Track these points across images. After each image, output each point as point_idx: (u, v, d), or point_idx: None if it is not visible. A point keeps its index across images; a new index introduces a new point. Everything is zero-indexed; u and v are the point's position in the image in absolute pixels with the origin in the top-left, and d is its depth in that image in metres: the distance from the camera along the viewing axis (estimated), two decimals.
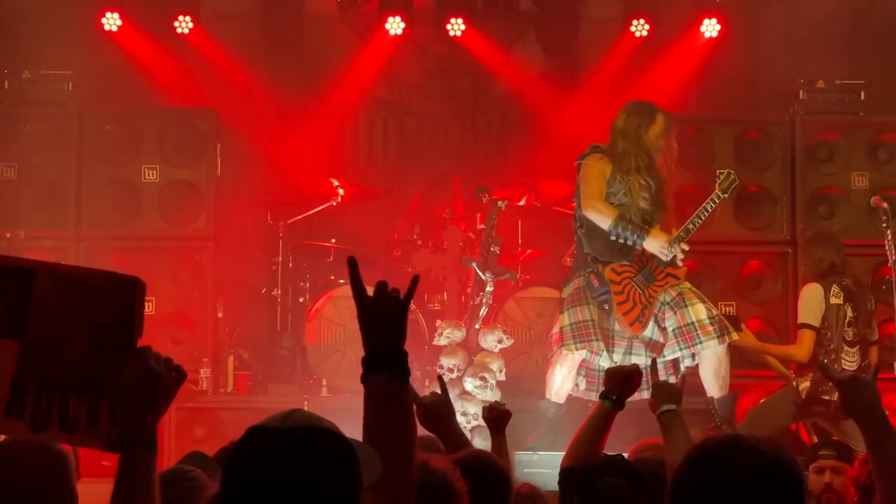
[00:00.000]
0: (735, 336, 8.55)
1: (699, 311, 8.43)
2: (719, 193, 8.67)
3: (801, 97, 10.49)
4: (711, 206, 8.64)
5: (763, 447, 2.45)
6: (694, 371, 10.07)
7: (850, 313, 8.60)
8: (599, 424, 4.46)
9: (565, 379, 8.49)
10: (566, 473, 4.35)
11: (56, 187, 10.21)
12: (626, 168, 8.41)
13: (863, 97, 10.46)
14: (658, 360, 8.42)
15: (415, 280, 2.98)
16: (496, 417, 4.87)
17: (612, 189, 8.45)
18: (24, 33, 10.79)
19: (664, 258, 8.45)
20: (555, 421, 8.45)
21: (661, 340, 8.43)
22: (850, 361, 8.58)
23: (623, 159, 8.43)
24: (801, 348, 8.56)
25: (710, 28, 11.34)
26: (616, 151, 8.49)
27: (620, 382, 4.53)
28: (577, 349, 8.31)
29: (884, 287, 10.12)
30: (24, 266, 3.00)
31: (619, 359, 8.23)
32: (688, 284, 8.65)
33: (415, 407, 4.26)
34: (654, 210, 8.53)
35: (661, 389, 4.48)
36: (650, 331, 8.42)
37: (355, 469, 2.44)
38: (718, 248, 10.36)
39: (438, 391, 4.51)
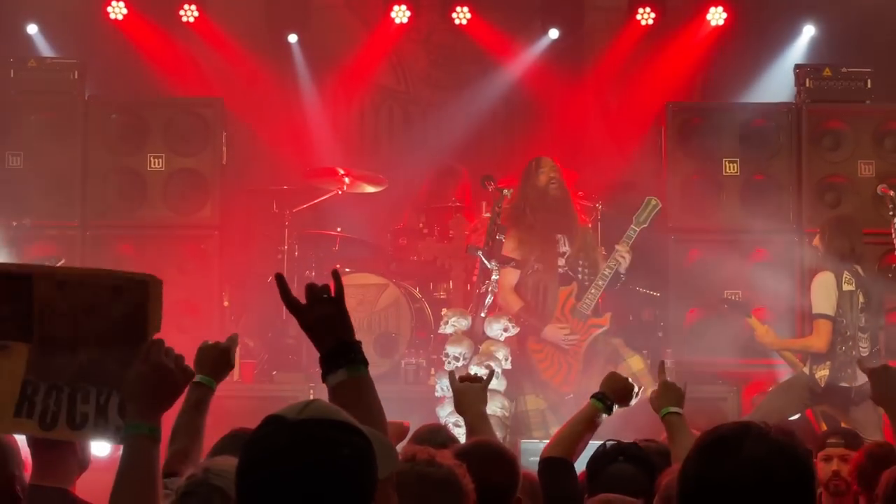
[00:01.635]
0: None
1: (637, 362, 8.99)
2: (635, 228, 9.08)
3: (807, 85, 10.47)
4: (617, 261, 9.03)
5: (773, 435, 2.44)
6: (701, 361, 10.10)
7: (861, 299, 8.59)
8: (588, 424, 4.50)
9: None
10: (546, 463, 4.36)
11: (62, 176, 10.22)
12: (525, 231, 9.06)
13: (869, 85, 10.43)
14: None
15: (335, 274, 3.05)
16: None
17: (526, 260, 9.08)
18: (31, 22, 10.79)
19: (565, 347, 8.87)
20: None
21: None
22: (863, 348, 8.57)
23: (520, 222, 9.10)
24: (819, 339, 8.50)
25: (716, 16, 11.32)
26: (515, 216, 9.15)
27: (619, 392, 4.58)
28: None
29: (890, 275, 10.12)
30: (21, 272, 3.05)
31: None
32: (619, 340, 9.24)
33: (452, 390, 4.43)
34: (579, 252, 9.14)
35: (667, 390, 4.54)
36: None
37: (372, 463, 2.43)
38: (724, 236, 10.36)
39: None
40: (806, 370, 8.63)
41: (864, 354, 8.48)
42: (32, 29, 10.89)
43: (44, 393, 2.97)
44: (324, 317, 2.96)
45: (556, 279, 9.08)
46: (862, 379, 8.45)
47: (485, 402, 4.55)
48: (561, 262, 9.11)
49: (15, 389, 2.97)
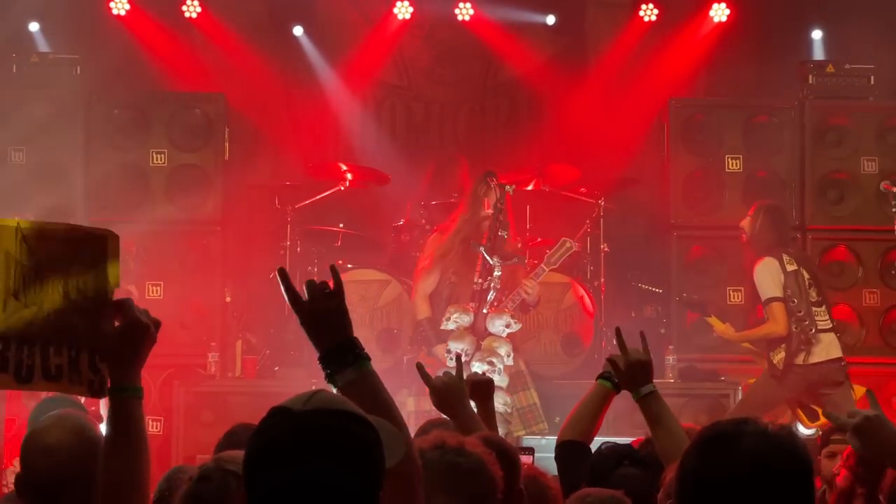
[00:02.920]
0: None
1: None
2: (544, 267, 9.11)
3: (810, 81, 10.47)
4: (521, 294, 9.00)
5: (771, 429, 2.45)
6: (703, 357, 10.10)
7: (806, 275, 8.67)
8: (600, 403, 4.46)
9: None
10: (563, 447, 4.34)
11: (64, 171, 10.22)
12: (452, 247, 9.10)
13: (872, 81, 10.43)
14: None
15: (333, 269, 3.04)
16: (480, 386, 4.79)
17: (442, 270, 9.17)
18: (33, 17, 10.78)
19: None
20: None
21: None
22: (822, 321, 8.65)
23: (455, 236, 9.13)
24: (777, 323, 8.59)
25: (719, 13, 11.29)
26: (454, 228, 9.20)
27: (632, 373, 4.42)
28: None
29: (893, 272, 10.12)
30: None
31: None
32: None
33: (427, 390, 4.30)
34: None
35: (633, 367, 4.32)
36: None
37: (379, 454, 2.42)
38: (726, 233, 10.34)
39: (453, 372, 4.45)
40: (770, 356, 8.70)
41: (824, 328, 8.58)
42: (34, 25, 10.87)
43: (15, 347, 2.98)
44: (324, 311, 2.95)
45: (468, 294, 9.06)
46: (819, 356, 8.53)
47: (465, 395, 4.31)
48: (478, 279, 9.07)
49: None
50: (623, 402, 4.83)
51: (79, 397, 4.67)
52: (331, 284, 2.98)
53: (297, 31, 11.69)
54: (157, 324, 2.99)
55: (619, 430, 7.56)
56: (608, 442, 4.36)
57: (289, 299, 2.97)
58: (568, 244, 9.22)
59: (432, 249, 9.31)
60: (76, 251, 3.01)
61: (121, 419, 2.92)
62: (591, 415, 4.44)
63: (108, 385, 2.97)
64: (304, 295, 2.98)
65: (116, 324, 2.97)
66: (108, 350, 2.96)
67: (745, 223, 8.95)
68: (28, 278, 2.99)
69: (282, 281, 2.98)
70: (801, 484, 2.44)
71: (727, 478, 2.40)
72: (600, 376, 4.50)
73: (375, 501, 2.40)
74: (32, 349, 2.98)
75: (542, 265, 9.14)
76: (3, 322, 2.97)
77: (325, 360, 2.93)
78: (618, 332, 4.46)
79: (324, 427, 2.37)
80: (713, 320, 9.10)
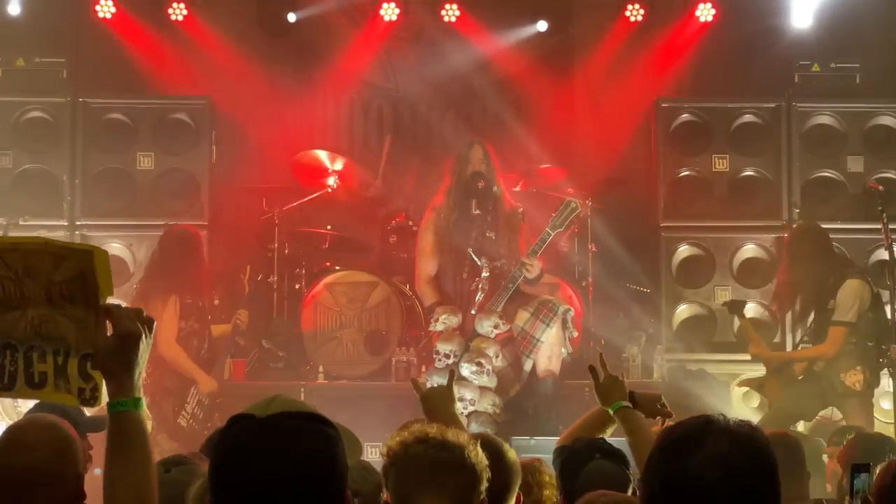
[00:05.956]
0: None
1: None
2: (549, 231, 8.87)
3: (796, 81, 10.49)
4: (521, 271, 8.80)
5: (734, 428, 2.41)
6: (691, 357, 10.10)
7: None
8: (599, 425, 4.76)
9: None
10: (559, 451, 4.45)
11: (51, 175, 10.20)
12: (449, 227, 9.02)
13: (858, 81, 10.45)
14: None
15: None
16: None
17: (440, 255, 9.13)
18: (18, 21, 10.74)
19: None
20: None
21: None
22: None
23: (448, 214, 9.09)
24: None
25: (705, 13, 11.32)
26: (441, 209, 9.14)
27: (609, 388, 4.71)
28: None
29: (880, 270, 10.13)
30: None
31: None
32: None
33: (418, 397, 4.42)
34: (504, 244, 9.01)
35: (612, 384, 4.64)
36: None
37: (342, 450, 2.45)
38: (714, 233, 10.37)
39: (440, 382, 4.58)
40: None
41: None
42: (21, 27, 10.81)
43: None
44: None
45: (466, 267, 9.03)
46: None
47: (453, 402, 4.48)
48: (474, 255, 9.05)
49: None
50: None
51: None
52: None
53: (291, 17, 11.65)
54: (151, 322, 2.88)
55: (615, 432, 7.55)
56: (580, 439, 4.49)
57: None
58: (573, 205, 8.98)
59: (430, 228, 9.27)
60: (58, 265, 2.91)
61: (120, 434, 2.81)
62: (590, 431, 4.71)
63: (107, 399, 2.88)
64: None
65: (109, 332, 2.87)
66: (101, 364, 2.85)
67: None
68: (6, 285, 2.93)
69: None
70: (766, 481, 2.41)
71: (693, 480, 2.36)
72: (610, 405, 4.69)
73: (343, 497, 2.43)
74: (16, 354, 2.93)
75: (547, 229, 8.92)
76: None
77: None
78: (601, 358, 4.80)
79: (289, 429, 2.41)
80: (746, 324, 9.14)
